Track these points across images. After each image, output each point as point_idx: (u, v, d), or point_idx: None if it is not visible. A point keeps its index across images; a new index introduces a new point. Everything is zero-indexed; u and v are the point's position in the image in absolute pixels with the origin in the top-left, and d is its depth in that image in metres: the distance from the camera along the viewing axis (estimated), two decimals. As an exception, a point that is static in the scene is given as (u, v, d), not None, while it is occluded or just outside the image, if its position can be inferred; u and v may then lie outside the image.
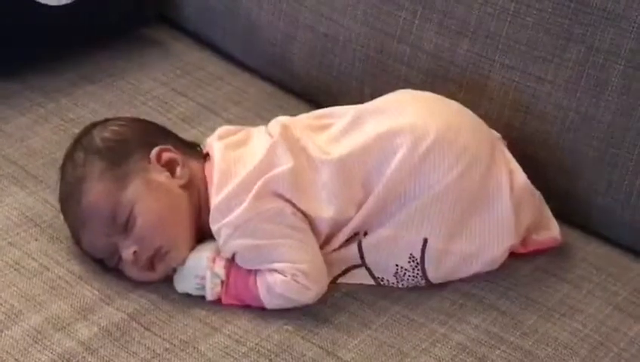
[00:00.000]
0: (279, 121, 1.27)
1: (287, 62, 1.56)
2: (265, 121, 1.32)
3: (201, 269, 1.19)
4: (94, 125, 1.27)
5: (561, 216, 1.31)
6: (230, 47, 1.64)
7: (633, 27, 1.26)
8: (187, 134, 1.37)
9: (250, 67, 1.62)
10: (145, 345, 1.13)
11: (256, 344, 1.14)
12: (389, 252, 1.21)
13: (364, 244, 1.22)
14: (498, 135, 1.31)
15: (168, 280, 1.21)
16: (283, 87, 1.59)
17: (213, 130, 1.31)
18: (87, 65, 1.57)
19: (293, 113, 1.34)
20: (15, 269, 1.21)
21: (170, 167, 1.23)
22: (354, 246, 1.22)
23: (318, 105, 1.46)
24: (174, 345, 1.13)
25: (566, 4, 1.30)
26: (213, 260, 1.19)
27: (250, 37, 1.60)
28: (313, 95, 1.55)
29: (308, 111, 1.38)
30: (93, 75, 1.56)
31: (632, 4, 1.27)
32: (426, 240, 1.20)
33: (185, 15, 1.69)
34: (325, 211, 1.19)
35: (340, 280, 1.23)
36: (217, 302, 1.19)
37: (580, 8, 1.29)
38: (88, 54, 1.59)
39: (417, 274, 1.22)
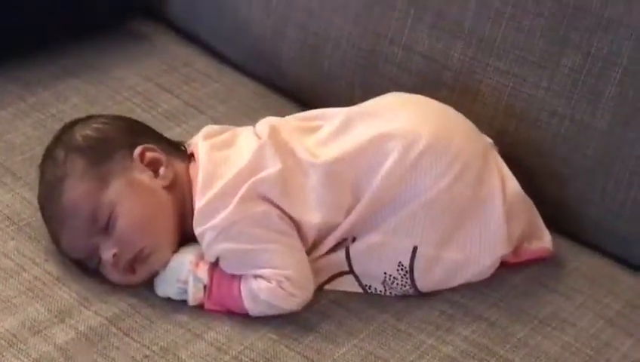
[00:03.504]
0: (268, 121, 1.24)
1: (275, 60, 1.53)
2: (252, 120, 1.29)
3: (184, 273, 1.16)
4: (76, 122, 1.23)
5: (552, 225, 1.28)
6: (218, 43, 1.60)
7: (631, 34, 1.24)
8: (171, 132, 1.33)
9: (238, 65, 1.58)
10: (124, 351, 1.10)
11: (239, 352, 1.11)
12: (377, 259, 1.18)
13: (352, 251, 1.19)
14: (490, 141, 1.28)
15: (149, 283, 1.17)
16: (271, 85, 1.55)
17: (198, 128, 1.28)
18: (71, 58, 1.53)
19: (281, 113, 1.31)
20: (-10, 269, 1.17)
21: (153, 166, 1.19)
22: (342, 253, 1.19)
23: (307, 106, 1.43)
24: (154, 352, 1.10)
25: (563, 9, 1.27)
26: (197, 264, 1.16)
27: (239, 34, 1.56)
28: (302, 95, 1.52)
29: (296, 111, 1.35)
30: (78, 68, 1.52)
31: (631, 11, 1.24)
32: (415, 248, 1.17)
33: (173, 10, 1.65)
34: (313, 216, 1.16)
35: (327, 287, 1.20)
36: (199, 307, 1.16)
37: (577, 14, 1.26)
38: (73, 47, 1.54)
39: (406, 282, 1.19)
